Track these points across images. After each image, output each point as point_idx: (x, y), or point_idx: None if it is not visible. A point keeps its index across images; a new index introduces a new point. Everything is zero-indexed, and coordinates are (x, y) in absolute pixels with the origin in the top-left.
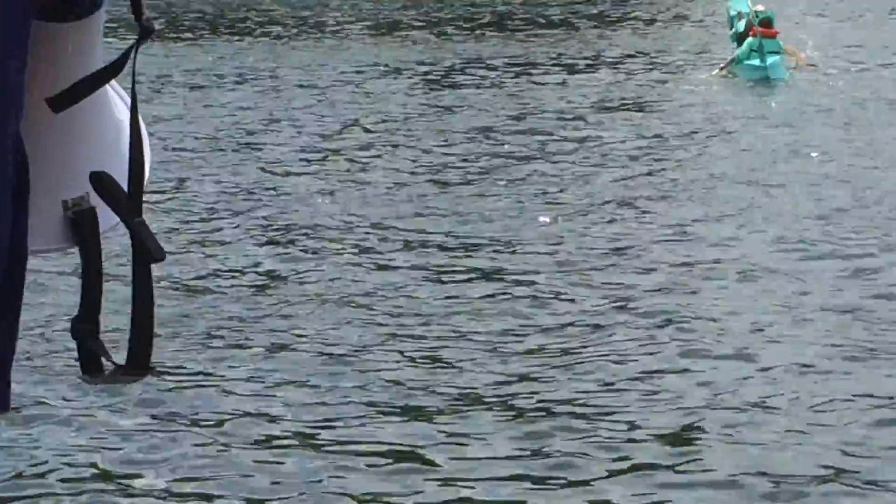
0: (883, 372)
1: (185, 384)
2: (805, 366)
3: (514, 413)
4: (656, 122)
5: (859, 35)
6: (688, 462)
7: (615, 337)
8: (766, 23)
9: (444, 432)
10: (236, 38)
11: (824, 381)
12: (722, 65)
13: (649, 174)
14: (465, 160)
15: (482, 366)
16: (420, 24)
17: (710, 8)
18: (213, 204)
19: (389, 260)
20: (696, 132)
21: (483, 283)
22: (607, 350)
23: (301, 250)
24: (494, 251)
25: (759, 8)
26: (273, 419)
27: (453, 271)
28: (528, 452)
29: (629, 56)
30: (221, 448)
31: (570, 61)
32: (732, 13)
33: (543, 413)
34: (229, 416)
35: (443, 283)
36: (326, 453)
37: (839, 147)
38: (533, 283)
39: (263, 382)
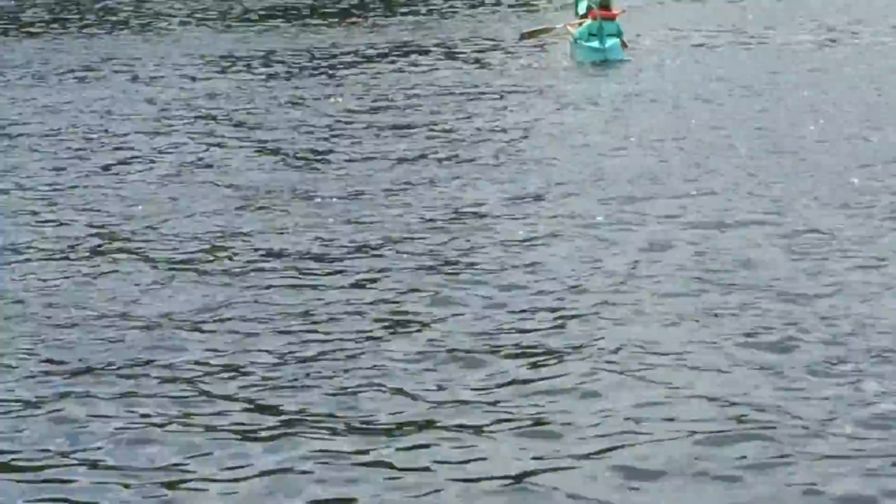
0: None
1: None
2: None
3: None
4: (493, 107)
5: (696, 16)
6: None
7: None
8: (605, 6)
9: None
10: (77, 32)
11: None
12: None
13: (482, 161)
14: (308, 150)
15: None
16: (265, 14)
17: None
18: (43, 205)
19: (230, 261)
20: (538, 118)
21: (325, 275)
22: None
23: (132, 253)
24: (331, 242)
25: None
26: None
27: (307, 271)
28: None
29: (477, 42)
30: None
31: (417, 49)
32: None
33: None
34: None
35: (292, 278)
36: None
37: (675, 129)
38: (357, 270)
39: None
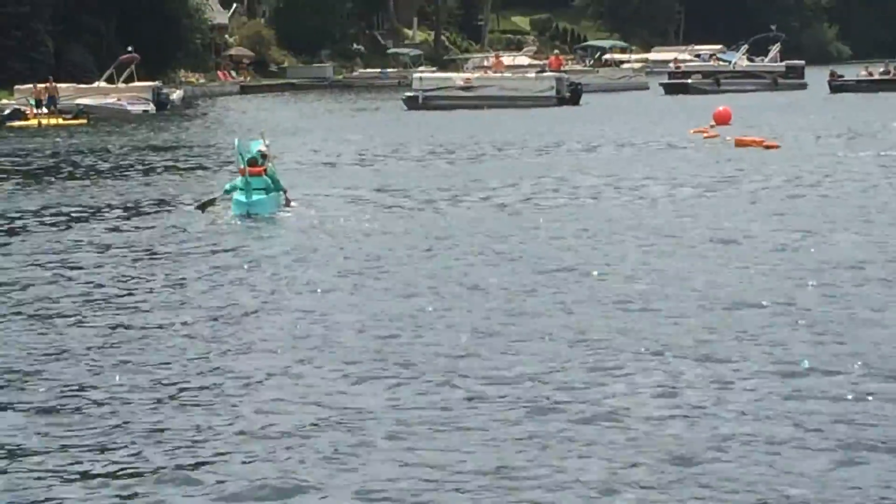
0: None
1: None
2: None
3: None
4: (143, 267)
5: (366, 175)
6: None
7: None
8: (252, 162)
9: None
10: None
11: None
12: (205, 200)
13: (126, 326)
14: None
15: None
16: None
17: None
18: None
19: None
20: (179, 276)
21: None
22: None
23: None
24: None
25: (262, 148)
26: None
27: None
28: None
29: (134, 204)
30: None
31: (80, 210)
32: (253, 148)
33: None
34: None
35: None
36: None
37: (319, 286)
38: None
39: None
